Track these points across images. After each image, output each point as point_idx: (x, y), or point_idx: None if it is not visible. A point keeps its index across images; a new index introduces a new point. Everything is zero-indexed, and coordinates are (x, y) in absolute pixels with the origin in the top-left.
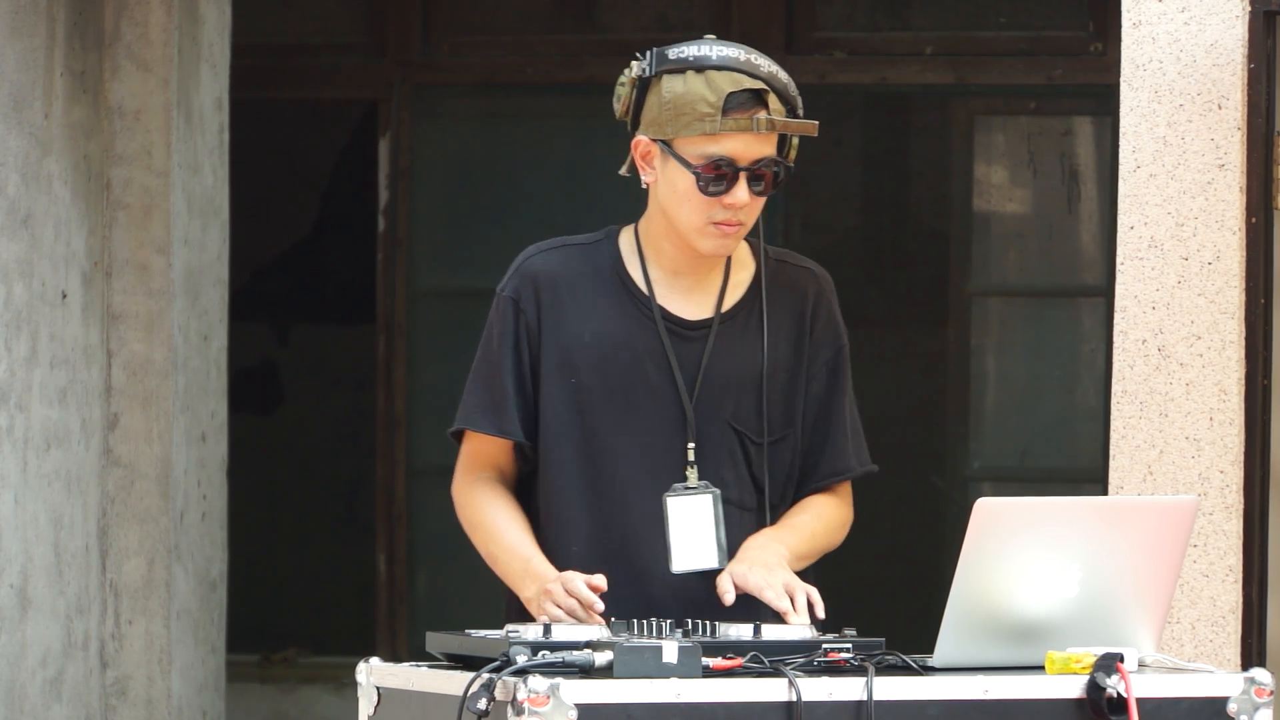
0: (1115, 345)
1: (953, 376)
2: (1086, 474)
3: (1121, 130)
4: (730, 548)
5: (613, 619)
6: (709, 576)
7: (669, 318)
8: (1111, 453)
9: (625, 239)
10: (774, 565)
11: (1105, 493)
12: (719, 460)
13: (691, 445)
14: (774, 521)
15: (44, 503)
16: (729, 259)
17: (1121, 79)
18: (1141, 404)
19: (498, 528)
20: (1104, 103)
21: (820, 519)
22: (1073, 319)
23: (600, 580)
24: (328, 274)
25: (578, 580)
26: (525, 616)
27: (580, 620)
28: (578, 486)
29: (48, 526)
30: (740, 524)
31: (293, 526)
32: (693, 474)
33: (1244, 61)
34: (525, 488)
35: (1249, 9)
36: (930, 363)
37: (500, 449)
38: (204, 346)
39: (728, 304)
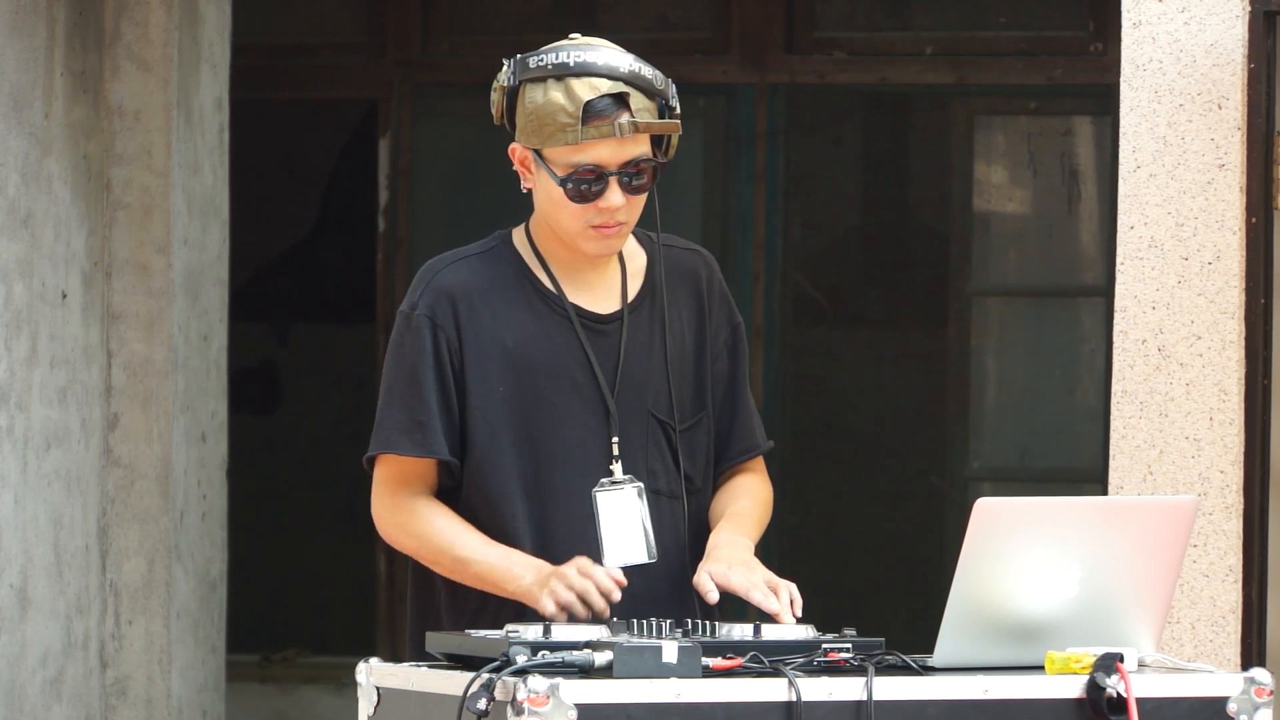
0: (1115, 345)
1: (952, 376)
2: (1086, 474)
3: (1121, 130)
4: (664, 538)
5: (614, 619)
6: (643, 570)
7: (582, 314)
8: (1111, 453)
9: (519, 242)
10: (752, 563)
11: (1105, 493)
12: (646, 451)
13: (615, 439)
14: (700, 506)
15: (44, 503)
16: (621, 250)
17: (1121, 79)
18: (1141, 404)
19: (454, 535)
20: (1104, 103)
21: (758, 501)
22: (1073, 319)
23: (618, 571)
24: (328, 274)
25: (596, 567)
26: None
27: (590, 606)
28: (518, 492)
29: (48, 526)
30: (672, 513)
31: (293, 527)
32: (618, 468)
33: (1244, 61)
34: (449, 503)
35: (1249, 9)
36: (930, 363)
37: (425, 469)
38: (204, 346)
39: (631, 294)
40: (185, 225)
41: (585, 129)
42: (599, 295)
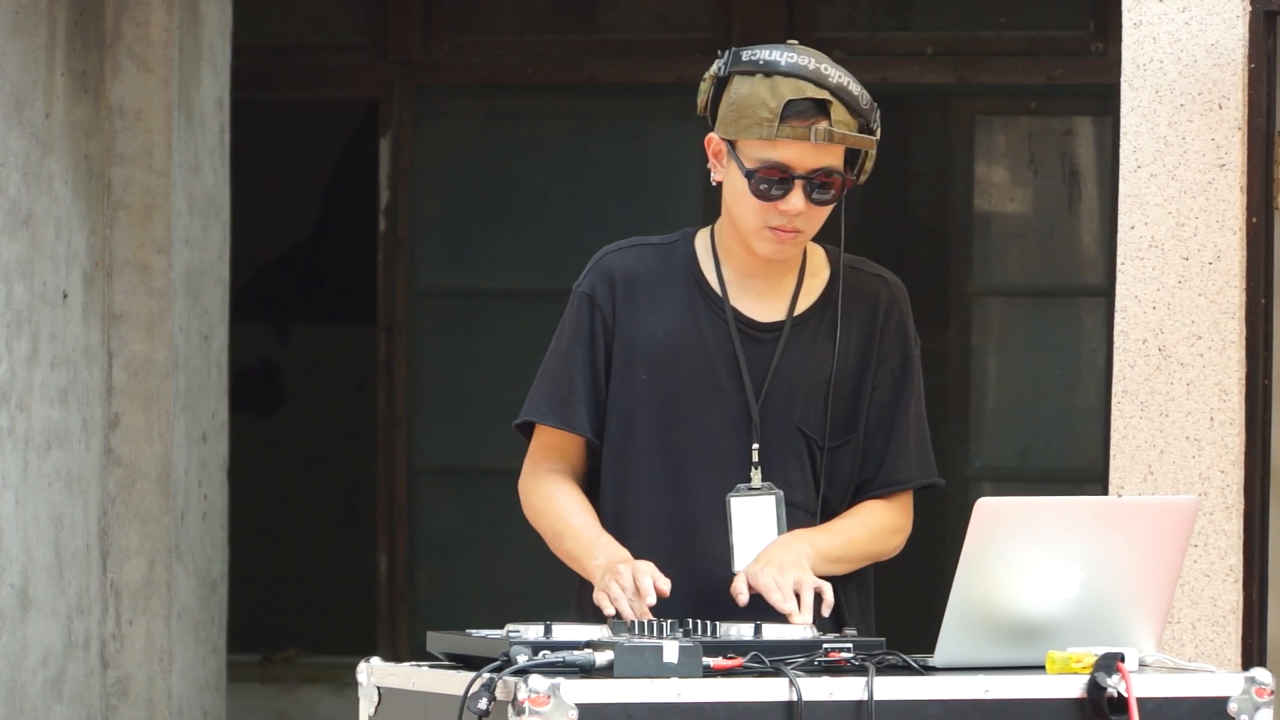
0: (1116, 345)
1: (953, 376)
2: (1087, 474)
3: (1122, 130)
4: None
5: (650, 619)
6: None
7: (740, 319)
8: (1112, 452)
9: (701, 240)
10: (788, 564)
11: (1106, 493)
12: (784, 462)
13: (756, 446)
14: None
15: (45, 503)
16: (804, 263)
17: (1122, 79)
18: (1142, 404)
19: (565, 509)
20: (1105, 103)
21: (864, 525)
22: (1073, 319)
23: (666, 584)
24: (328, 274)
25: (647, 574)
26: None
27: (631, 608)
28: (644, 482)
29: (48, 526)
30: (802, 526)
31: (293, 526)
32: (756, 475)
33: (1245, 61)
34: (591, 485)
35: (1250, 9)
36: (931, 362)
37: (568, 443)
38: (205, 346)
39: (800, 308)
40: (186, 225)
41: (781, 126)
42: (766, 303)
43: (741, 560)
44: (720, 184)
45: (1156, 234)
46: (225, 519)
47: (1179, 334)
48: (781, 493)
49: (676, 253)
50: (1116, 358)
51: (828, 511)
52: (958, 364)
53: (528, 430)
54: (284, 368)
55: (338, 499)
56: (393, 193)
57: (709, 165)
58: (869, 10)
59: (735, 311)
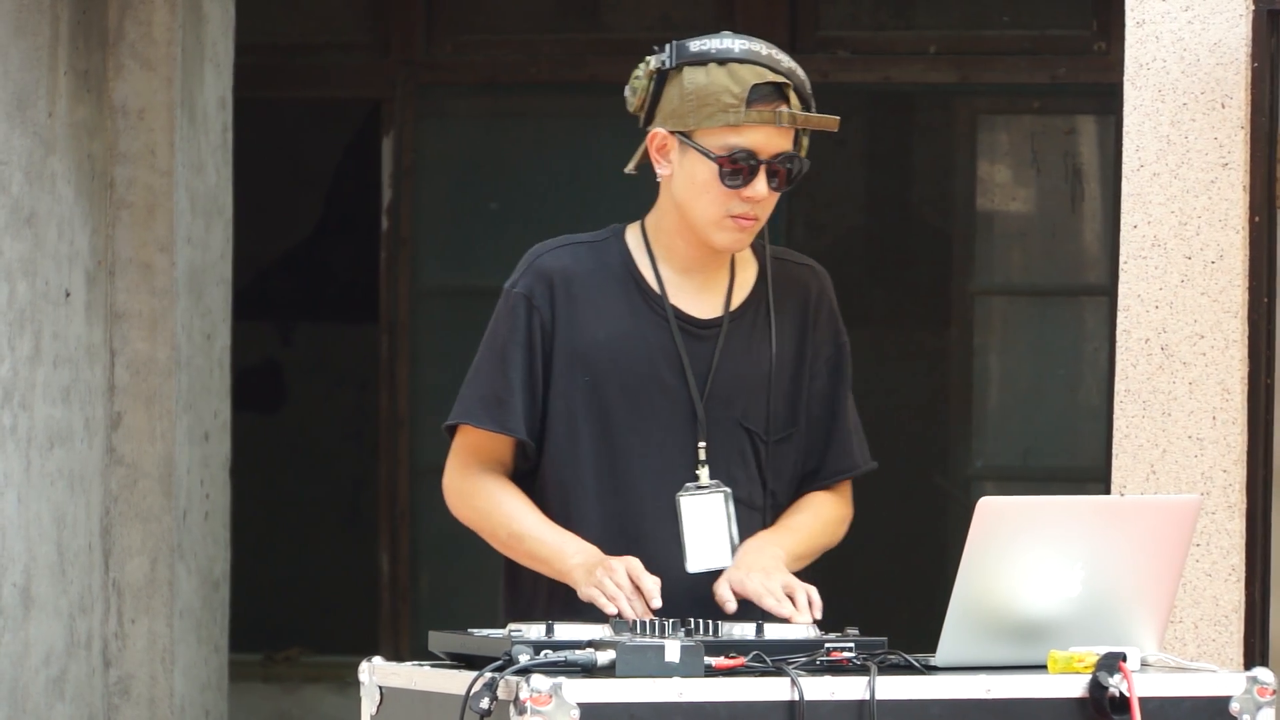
0: (1118, 344)
1: (955, 375)
2: (1089, 473)
3: (1125, 129)
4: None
5: (617, 618)
6: (719, 575)
7: (681, 316)
8: (1114, 452)
9: (632, 237)
10: (771, 569)
11: (1108, 492)
12: (729, 459)
13: (703, 444)
14: (778, 519)
15: (47, 502)
16: (733, 257)
17: (1125, 78)
18: (1144, 403)
19: (516, 511)
20: (1107, 102)
21: (818, 517)
22: (1076, 318)
23: (658, 583)
24: (331, 273)
25: (646, 574)
26: (521, 607)
27: (627, 606)
28: (592, 484)
29: (51, 525)
30: (748, 522)
31: (296, 526)
32: (704, 473)
33: (1247, 60)
34: (521, 487)
35: (1252, 8)
36: (933, 362)
37: (500, 445)
38: (207, 346)
39: (735, 303)
40: (189, 224)
41: (749, 111)
42: (703, 300)
43: (694, 559)
44: (663, 181)
45: (1159, 233)
46: (227, 518)
47: (1181, 333)
48: (730, 490)
49: (610, 250)
50: (1119, 357)
51: (773, 506)
52: (960, 363)
53: (454, 430)
54: (286, 367)
55: (340, 498)
56: (395, 192)
57: (649, 165)
58: (872, 9)
59: (675, 309)
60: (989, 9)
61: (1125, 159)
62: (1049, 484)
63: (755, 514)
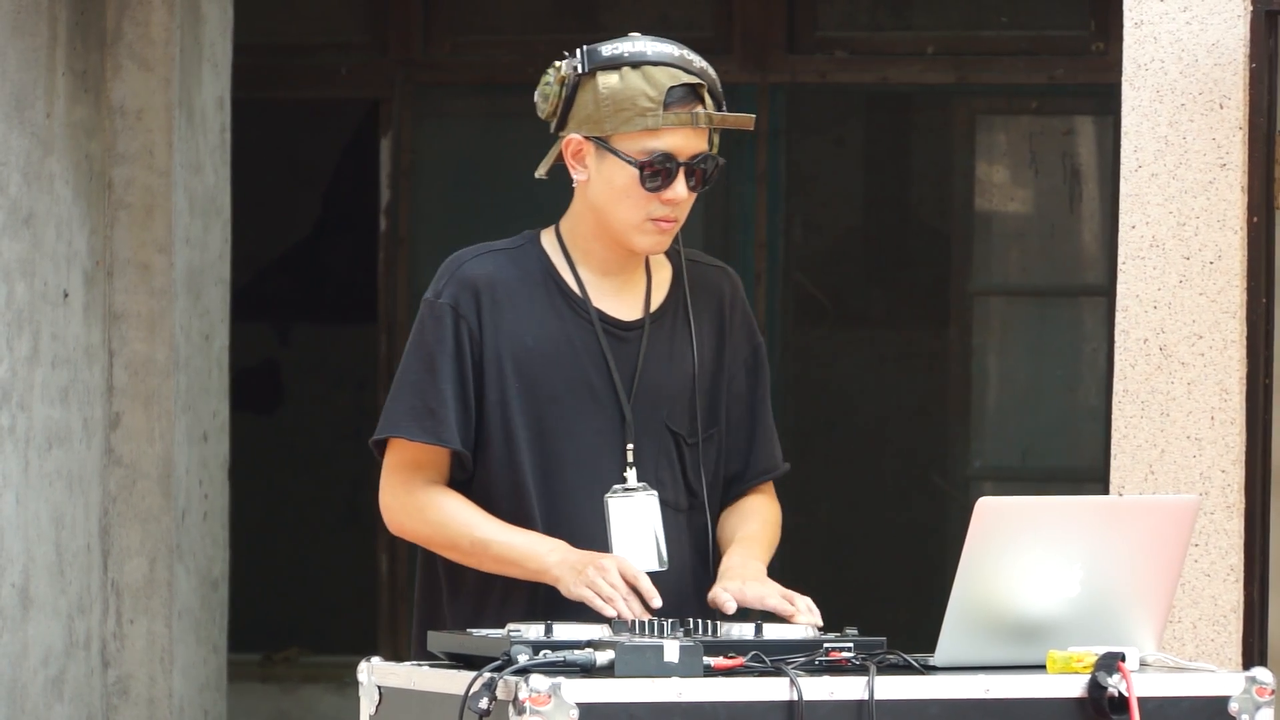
0: (1117, 344)
1: (954, 376)
2: (1088, 473)
3: (1123, 130)
4: (669, 549)
5: (613, 619)
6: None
7: (605, 319)
8: (1113, 452)
9: (549, 242)
10: (765, 581)
11: (1107, 492)
12: (656, 461)
13: (630, 446)
14: (701, 522)
15: (45, 502)
16: (648, 258)
17: (1123, 78)
18: (1143, 403)
19: (472, 519)
20: (1106, 102)
21: (768, 524)
22: (1074, 318)
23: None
24: (329, 273)
25: (644, 573)
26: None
27: (624, 607)
28: (529, 490)
29: (49, 526)
30: (674, 525)
31: (294, 526)
32: (632, 475)
33: (1246, 61)
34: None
35: (1250, 9)
36: (932, 362)
37: (437, 457)
38: (206, 346)
39: (654, 304)
40: (187, 225)
41: (666, 114)
42: (623, 302)
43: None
44: (578, 186)
45: (1157, 233)
46: (226, 518)
47: (1180, 333)
48: (657, 492)
49: (529, 256)
50: (1117, 357)
51: (695, 507)
52: (959, 364)
53: (382, 446)
54: (285, 367)
55: (338, 498)
56: (393, 192)
57: (569, 167)
58: (870, 10)
59: (599, 312)
60: (987, 9)
61: (1123, 159)
62: (1048, 484)
63: (680, 515)
